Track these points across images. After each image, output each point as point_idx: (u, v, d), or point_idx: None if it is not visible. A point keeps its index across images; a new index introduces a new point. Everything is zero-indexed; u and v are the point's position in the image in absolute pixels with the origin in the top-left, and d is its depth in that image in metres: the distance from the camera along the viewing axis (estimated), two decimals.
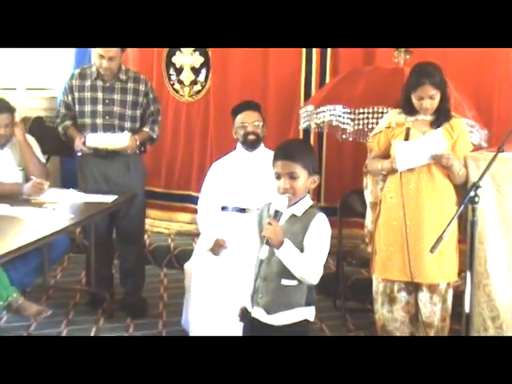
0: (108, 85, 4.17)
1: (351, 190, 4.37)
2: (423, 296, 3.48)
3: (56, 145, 5.19)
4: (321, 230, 2.48)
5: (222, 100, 5.22)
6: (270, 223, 2.40)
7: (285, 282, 2.49)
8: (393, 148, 3.43)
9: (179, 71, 5.56)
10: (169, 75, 5.60)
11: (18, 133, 4.16)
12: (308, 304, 2.54)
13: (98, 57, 4.06)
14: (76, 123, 4.21)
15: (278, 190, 2.50)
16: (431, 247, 2.67)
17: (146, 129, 4.26)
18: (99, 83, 4.17)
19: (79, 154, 4.22)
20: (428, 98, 3.33)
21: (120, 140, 4.10)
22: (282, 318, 2.52)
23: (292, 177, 2.47)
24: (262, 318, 2.54)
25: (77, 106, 4.19)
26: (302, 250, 2.45)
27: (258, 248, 2.55)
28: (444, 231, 2.73)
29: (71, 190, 4.09)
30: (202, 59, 5.48)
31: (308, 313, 2.56)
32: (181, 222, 5.66)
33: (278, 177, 2.50)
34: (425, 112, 3.38)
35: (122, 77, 4.18)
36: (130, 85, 4.19)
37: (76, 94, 4.19)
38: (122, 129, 4.14)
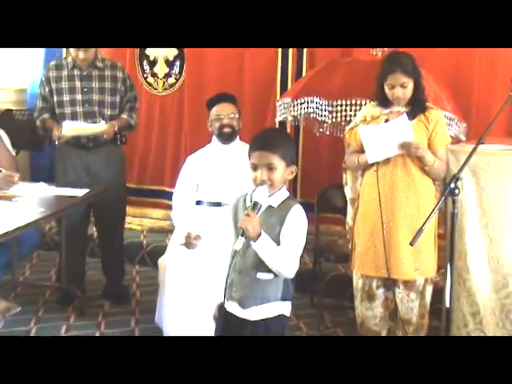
0: (85, 73, 4.18)
1: (329, 184, 4.36)
2: (400, 292, 3.48)
3: (26, 139, 5.16)
4: (298, 223, 2.46)
5: (197, 93, 5.21)
6: (248, 214, 2.36)
7: (260, 275, 2.46)
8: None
9: (153, 64, 5.54)
10: (142, 68, 5.58)
11: None
12: (284, 298, 2.52)
13: (74, 49, 4.09)
14: (54, 116, 4.22)
15: (255, 182, 2.47)
16: (411, 240, 2.67)
17: (125, 115, 4.28)
18: (76, 72, 4.18)
19: (56, 142, 4.23)
20: (399, 87, 3.32)
21: (96, 128, 4.12)
22: (257, 313, 2.49)
23: (269, 168, 2.44)
24: (237, 313, 2.51)
25: (55, 97, 4.20)
26: (277, 242, 2.42)
27: (232, 240, 2.52)
28: (424, 223, 2.73)
29: (41, 183, 4.04)
30: (176, 51, 5.47)
31: (284, 308, 2.53)
32: (154, 218, 5.64)
33: (255, 168, 2.46)
34: (397, 102, 3.37)
35: (99, 64, 4.21)
36: (108, 72, 4.22)
37: (53, 85, 4.20)
38: (102, 115, 4.17)
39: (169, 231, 4.99)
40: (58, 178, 4.29)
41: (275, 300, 2.50)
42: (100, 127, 4.12)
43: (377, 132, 3.33)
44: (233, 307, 2.51)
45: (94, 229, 4.55)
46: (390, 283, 3.47)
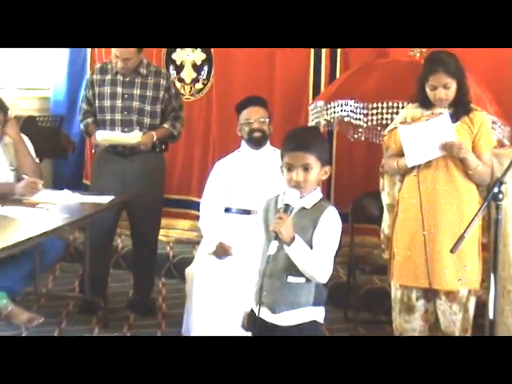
0: (128, 79, 4.21)
1: (364, 192, 4.33)
2: (442, 304, 3.41)
3: (49, 146, 5.21)
4: (332, 225, 2.45)
5: (225, 98, 5.19)
6: (280, 217, 2.35)
7: (291, 279, 2.46)
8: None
9: (180, 69, 5.55)
10: (168, 73, 5.56)
11: (12, 130, 4.15)
12: (316, 304, 2.50)
13: (113, 56, 4.14)
14: (96, 120, 4.28)
15: (289, 183, 2.46)
16: (452, 247, 2.63)
17: (167, 125, 4.29)
18: (119, 78, 4.22)
19: (93, 150, 4.34)
20: (442, 88, 3.28)
21: (130, 138, 4.14)
22: (288, 318, 2.48)
23: (305, 168, 2.44)
24: (267, 318, 2.50)
25: (97, 101, 4.26)
26: (310, 245, 2.42)
27: (263, 244, 2.53)
28: (466, 229, 2.69)
29: (65, 190, 4.06)
30: (203, 56, 5.46)
31: (317, 313, 2.52)
32: (180, 229, 5.62)
33: (290, 168, 2.45)
34: (440, 103, 3.33)
35: (143, 71, 4.22)
36: (151, 79, 4.23)
37: (96, 89, 4.26)
38: (140, 124, 4.19)
39: (196, 243, 4.97)
40: (92, 184, 4.37)
41: (307, 305, 2.48)
42: (134, 137, 4.13)
43: (417, 132, 3.29)
44: (263, 312, 2.49)
45: (119, 240, 4.57)
46: (430, 294, 3.41)
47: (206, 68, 5.47)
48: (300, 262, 2.39)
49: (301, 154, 2.44)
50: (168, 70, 5.56)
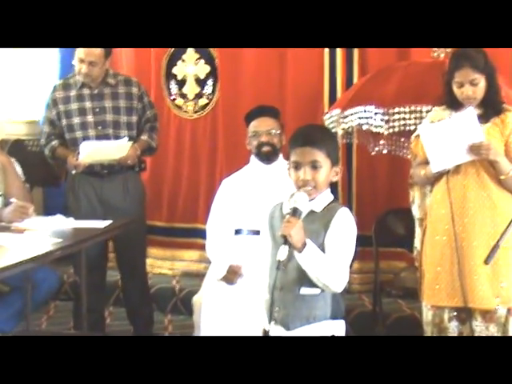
0: (96, 92, 4.24)
1: (387, 210, 4.36)
2: (478, 325, 3.40)
3: (39, 173, 5.24)
4: (345, 228, 2.48)
5: (233, 115, 5.24)
6: (289, 221, 2.37)
7: (304, 290, 2.48)
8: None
9: (181, 84, 5.62)
10: (169, 89, 5.66)
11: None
12: (335, 317, 2.53)
13: (78, 61, 4.16)
14: (64, 142, 4.27)
15: (296, 183, 2.51)
16: (485, 258, 2.65)
17: (144, 137, 4.32)
18: (86, 91, 4.25)
19: (73, 172, 4.27)
20: (469, 84, 3.31)
21: (119, 148, 4.16)
22: (304, 334, 2.49)
23: (314, 166, 2.48)
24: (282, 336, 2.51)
25: (63, 121, 4.26)
26: (322, 252, 2.45)
27: (270, 255, 2.57)
28: (500, 238, 2.72)
29: (58, 215, 4.09)
30: (207, 68, 5.55)
31: (336, 327, 2.53)
32: (187, 260, 5.66)
33: (297, 166, 2.51)
34: (468, 102, 3.34)
35: (111, 81, 4.26)
36: (122, 89, 4.28)
37: (61, 107, 4.26)
38: (117, 139, 4.20)
39: (205, 275, 4.99)
40: (69, 212, 4.26)
41: (324, 319, 2.50)
42: (124, 146, 4.15)
43: (439, 132, 3.31)
44: (276, 330, 2.50)
45: (119, 275, 4.59)
46: (464, 315, 3.41)
47: (210, 82, 5.55)
48: (313, 270, 2.41)
49: (308, 150, 2.49)
50: (169, 85, 5.64)
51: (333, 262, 2.42)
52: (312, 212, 2.50)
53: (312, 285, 2.45)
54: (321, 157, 2.48)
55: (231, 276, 3.70)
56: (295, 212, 2.41)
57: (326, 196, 2.55)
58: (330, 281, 2.42)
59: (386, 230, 4.27)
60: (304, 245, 2.38)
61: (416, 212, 3.69)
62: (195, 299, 3.83)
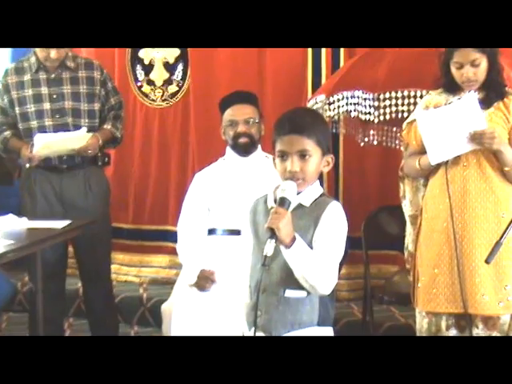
0: (53, 76, 4.17)
1: (378, 207, 4.35)
2: (479, 334, 3.38)
3: None
4: (336, 224, 2.47)
5: (206, 102, 5.22)
6: (276, 212, 2.35)
7: (290, 293, 2.46)
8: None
9: (148, 69, 5.59)
10: (135, 74, 5.63)
11: None
12: (323, 323, 2.50)
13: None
14: (18, 132, 4.21)
15: (283, 175, 2.48)
16: (487, 256, 2.63)
17: (108, 126, 4.27)
18: (42, 76, 4.17)
19: (27, 166, 4.20)
20: (469, 65, 3.29)
21: (78, 139, 4.09)
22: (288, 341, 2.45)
23: (303, 156, 2.46)
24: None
25: (17, 109, 4.19)
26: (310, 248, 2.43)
27: (252, 254, 2.56)
28: (503, 235, 2.69)
29: (10, 215, 4.04)
30: (177, 52, 5.51)
31: (323, 334, 2.50)
32: (156, 266, 5.63)
33: (284, 156, 2.48)
34: (468, 85, 3.33)
35: (70, 64, 4.19)
36: (82, 73, 4.21)
37: (14, 94, 4.19)
38: (78, 128, 4.13)
39: (175, 282, 4.97)
40: (24, 212, 4.21)
41: (311, 325, 2.48)
42: (82, 137, 4.09)
43: (438, 119, 3.29)
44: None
45: (79, 284, 4.55)
46: (464, 322, 3.39)
47: (180, 66, 5.51)
48: (301, 268, 2.39)
49: (296, 138, 2.45)
50: (134, 70, 5.60)
51: (322, 261, 2.40)
52: (300, 206, 2.48)
53: (298, 286, 2.43)
54: (310, 145, 2.46)
55: (203, 282, 3.66)
56: (283, 202, 2.38)
57: (316, 189, 2.53)
58: (318, 281, 2.40)
59: (377, 230, 4.27)
60: (293, 240, 2.35)
61: (407, 208, 3.67)
62: (164, 307, 3.80)
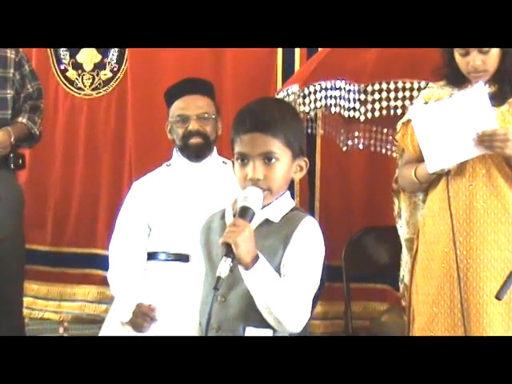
0: None
1: (363, 228, 4.40)
2: None
3: None
4: (310, 245, 2.48)
5: (148, 93, 5.26)
6: (235, 224, 2.36)
7: (251, 331, 2.47)
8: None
9: (75, 49, 5.58)
10: (57, 55, 5.63)
11: None
12: None
13: None
14: None
15: (243, 183, 2.49)
16: (497, 291, 2.66)
17: (23, 119, 4.32)
18: None
19: None
20: (477, 52, 3.33)
21: None
22: None
23: (268, 160, 2.47)
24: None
25: None
26: (278, 274, 2.44)
27: (204, 284, 2.59)
28: None
29: None
30: None
31: None
32: (80, 300, 5.61)
33: (244, 160, 2.49)
34: (475, 76, 3.38)
35: None
36: None
37: None
38: None
39: (104, 320, 4.98)
40: None
41: None
42: None
43: (437, 116, 3.32)
44: None
45: None
46: None
47: (115, 48, 5.53)
48: (264, 296, 2.39)
49: (259, 137, 2.46)
50: (57, 50, 5.59)
51: (291, 289, 2.41)
52: (266, 222, 2.50)
53: (261, 323, 2.44)
54: (277, 146, 2.47)
55: (140, 320, 3.69)
56: (245, 212, 2.39)
57: (285, 201, 2.55)
58: (285, 314, 2.40)
59: (362, 258, 4.33)
60: (255, 259, 2.36)
61: (403, 230, 3.72)
62: None
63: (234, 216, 2.45)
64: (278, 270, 2.44)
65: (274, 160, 2.47)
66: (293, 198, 2.65)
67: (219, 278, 2.32)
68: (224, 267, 2.32)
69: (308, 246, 2.48)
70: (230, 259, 2.32)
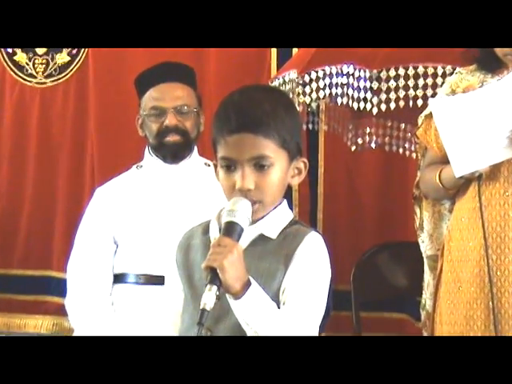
0: None
1: (376, 245, 4.43)
2: None
3: None
4: (316, 265, 2.48)
5: (113, 80, 5.30)
6: (220, 244, 2.33)
7: None
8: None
9: None
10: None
11: None
12: None
13: None
14: None
15: (230, 194, 2.48)
16: None
17: None
18: None
19: None
20: None
21: None
22: None
23: (261, 166, 2.45)
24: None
25: None
26: (277, 303, 2.43)
27: (183, 310, 2.60)
28: None
29: None
30: None
31: None
32: (31, 333, 5.60)
33: (230, 166, 2.47)
34: None
35: None
36: None
37: None
38: None
39: None
40: None
41: None
42: None
43: (465, 110, 3.34)
44: None
45: None
46: None
47: None
48: (258, 331, 2.38)
49: (248, 138, 2.44)
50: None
51: (292, 321, 2.40)
52: (262, 239, 2.49)
53: None
54: (271, 148, 2.44)
55: None
56: (231, 229, 2.37)
57: (283, 213, 2.54)
58: None
59: (374, 281, 4.32)
60: (245, 286, 2.34)
61: (426, 245, 3.74)
62: None
63: (220, 231, 2.42)
64: (275, 298, 2.42)
65: (267, 166, 2.45)
66: (290, 208, 2.62)
67: (204, 310, 2.29)
68: (209, 298, 2.29)
69: (313, 267, 2.46)
70: (215, 287, 2.29)
